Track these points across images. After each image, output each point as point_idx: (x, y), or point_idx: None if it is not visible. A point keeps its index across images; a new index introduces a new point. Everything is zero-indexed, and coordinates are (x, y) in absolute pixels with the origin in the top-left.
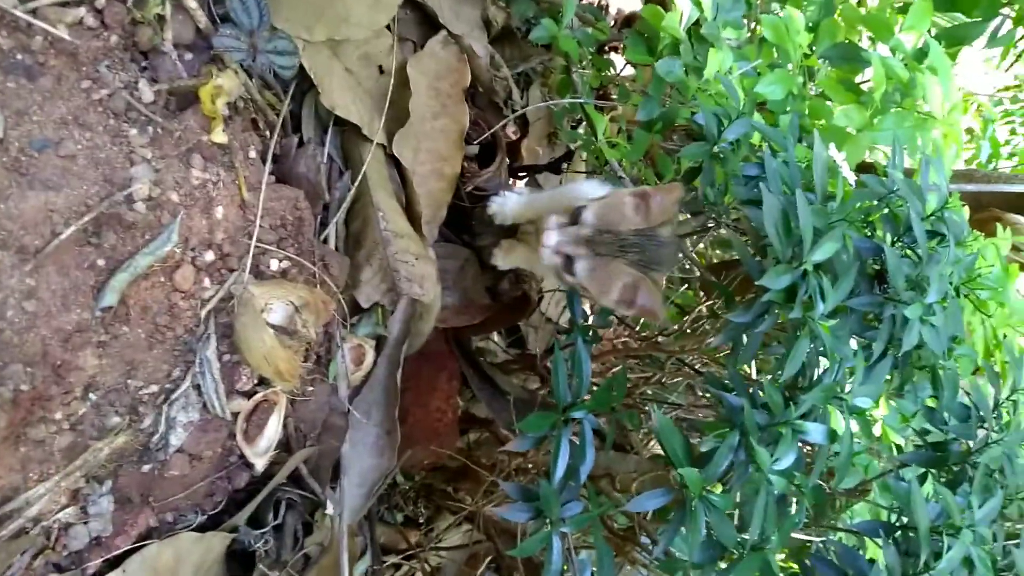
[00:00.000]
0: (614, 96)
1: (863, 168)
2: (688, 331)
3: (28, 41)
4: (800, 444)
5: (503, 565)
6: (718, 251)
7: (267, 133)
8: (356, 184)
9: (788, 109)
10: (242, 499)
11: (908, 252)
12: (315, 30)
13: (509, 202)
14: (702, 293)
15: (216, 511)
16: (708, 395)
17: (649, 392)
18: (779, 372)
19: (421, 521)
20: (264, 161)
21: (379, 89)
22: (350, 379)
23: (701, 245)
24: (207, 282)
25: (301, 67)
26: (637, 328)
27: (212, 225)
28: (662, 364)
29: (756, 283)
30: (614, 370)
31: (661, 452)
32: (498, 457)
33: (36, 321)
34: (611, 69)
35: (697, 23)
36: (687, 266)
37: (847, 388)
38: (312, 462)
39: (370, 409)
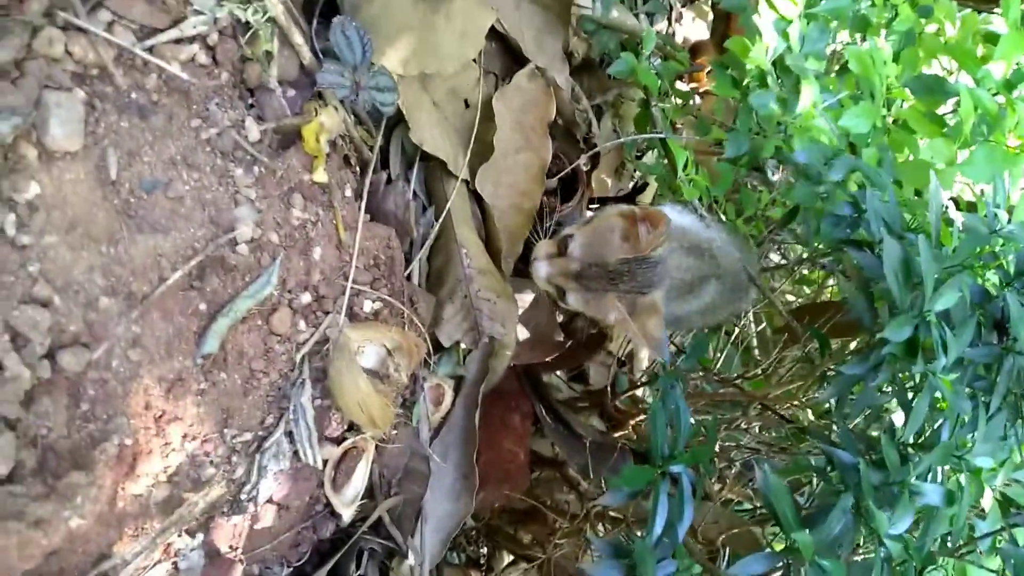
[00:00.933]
0: (679, 126)
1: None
2: (770, 374)
3: (143, 79)
4: None
5: None
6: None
7: (358, 170)
8: (440, 220)
9: (869, 142)
10: (325, 548)
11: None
12: (409, 65)
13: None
14: (784, 335)
15: (300, 562)
16: (784, 439)
17: (723, 437)
18: (888, 427)
19: (482, 562)
20: (359, 199)
21: (464, 123)
22: (430, 421)
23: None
24: (302, 325)
25: None
26: (715, 371)
27: (309, 266)
28: (744, 409)
29: (878, 335)
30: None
31: (733, 496)
32: (559, 498)
33: (140, 370)
34: (691, 102)
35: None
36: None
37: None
38: (395, 510)
39: (447, 451)
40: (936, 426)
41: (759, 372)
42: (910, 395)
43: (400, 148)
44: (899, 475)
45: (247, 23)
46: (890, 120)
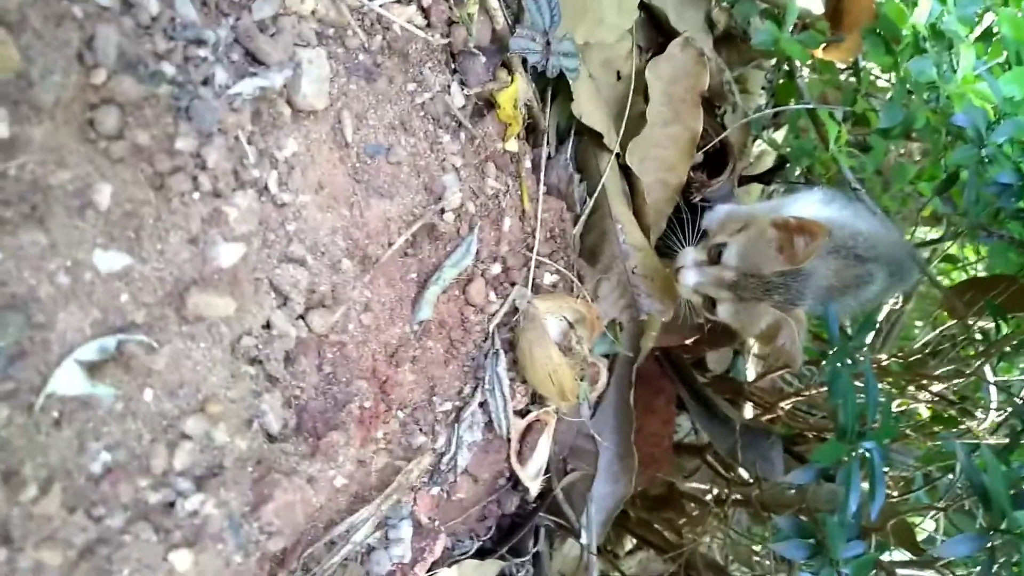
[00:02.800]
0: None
1: None
2: (926, 354)
3: (370, 41)
4: None
5: None
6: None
7: (529, 142)
8: (595, 195)
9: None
10: (504, 524)
11: None
12: (577, 32)
13: (719, 215)
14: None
15: (488, 536)
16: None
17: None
18: None
19: (608, 547)
20: (536, 170)
21: (615, 96)
22: (588, 400)
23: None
24: (493, 296)
25: None
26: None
27: (499, 236)
28: (902, 389)
29: None
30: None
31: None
32: (687, 488)
33: (369, 335)
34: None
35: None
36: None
37: None
38: (568, 488)
39: (603, 431)
40: None
41: (916, 351)
42: None
43: (555, 121)
44: None
45: None
46: None
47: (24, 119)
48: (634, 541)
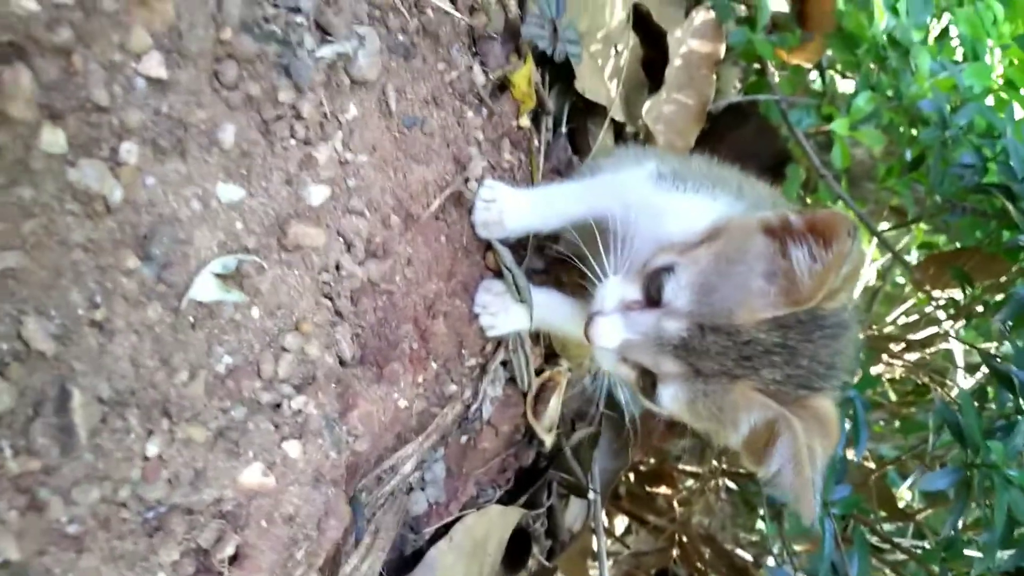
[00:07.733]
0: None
1: None
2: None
3: (407, 22)
4: None
5: (704, 567)
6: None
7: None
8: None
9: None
10: (520, 478)
11: None
12: (582, 19)
13: (504, 202)
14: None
15: (508, 486)
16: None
17: None
18: None
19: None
20: (540, 150)
21: (615, 69)
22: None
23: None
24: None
25: None
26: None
27: None
28: (877, 357)
29: None
30: None
31: None
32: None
33: (411, 287)
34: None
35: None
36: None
37: None
38: (576, 448)
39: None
40: None
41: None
42: None
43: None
44: None
45: None
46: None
47: (175, 64)
48: (626, 521)
